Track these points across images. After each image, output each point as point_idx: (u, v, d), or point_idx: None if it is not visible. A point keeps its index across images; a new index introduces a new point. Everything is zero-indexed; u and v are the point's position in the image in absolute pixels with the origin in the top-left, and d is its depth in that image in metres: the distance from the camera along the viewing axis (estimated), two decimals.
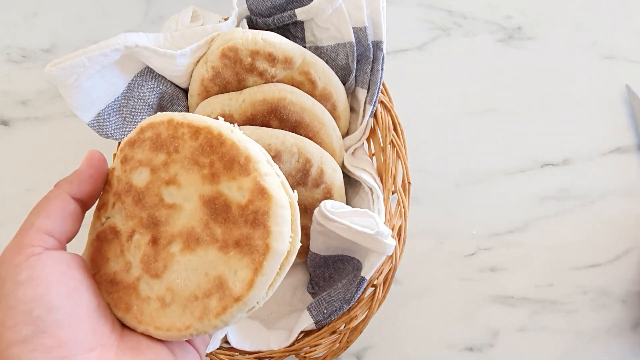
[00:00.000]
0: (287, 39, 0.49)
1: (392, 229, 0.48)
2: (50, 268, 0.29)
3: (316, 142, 0.48)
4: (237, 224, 0.30)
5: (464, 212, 0.61)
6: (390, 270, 0.48)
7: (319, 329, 0.48)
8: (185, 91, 0.52)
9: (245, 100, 0.47)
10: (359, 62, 0.52)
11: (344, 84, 0.52)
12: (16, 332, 0.26)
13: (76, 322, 0.28)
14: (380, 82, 0.51)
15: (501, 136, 0.64)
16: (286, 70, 0.48)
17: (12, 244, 0.30)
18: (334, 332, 0.48)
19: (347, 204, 0.52)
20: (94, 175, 0.33)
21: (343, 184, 0.50)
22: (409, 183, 0.50)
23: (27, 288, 0.27)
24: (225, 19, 0.51)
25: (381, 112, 0.52)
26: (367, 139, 0.54)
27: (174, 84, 0.51)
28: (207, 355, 0.46)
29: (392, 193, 0.50)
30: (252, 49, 0.47)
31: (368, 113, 0.51)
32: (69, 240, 0.32)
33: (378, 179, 0.51)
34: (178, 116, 0.32)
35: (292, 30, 0.52)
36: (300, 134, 0.48)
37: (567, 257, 0.60)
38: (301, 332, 0.48)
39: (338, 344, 0.48)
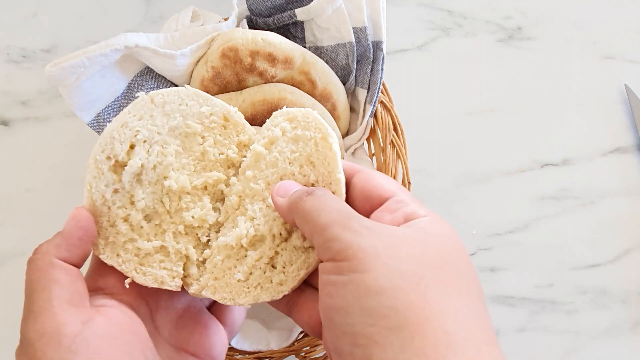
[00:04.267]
0: (287, 39, 0.49)
1: None
2: (100, 343, 0.27)
3: None
4: None
5: (464, 212, 0.61)
6: None
7: None
8: None
9: (246, 100, 0.47)
10: (359, 62, 0.52)
11: (344, 84, 0.52)
12: None
13: None
14: (380, 82, 0.51)
15: (501, 136, 0.64)
16: (286, 70, 0.48)
17: (44, 328, 0.26)
18: None
19: None
20: (82, 237, 0.30)
21: None
22: (409, 183, 0.50)
23: None
24: (225, 19, 0.51)
25: (381, 112, 0.52)
26: (367, 139, 0.54)
27: (174, 84, 0.51)
28: None
29: None
30: (252, 49, 0.47)
31: (368, 113, 0.51)
32: (88, 292, 0.30)
33: None
34: None
35: (292, 31, 0.52)
36: None
37: (567, 257, 0.60)
38: (301, 332, 0.48)
39: None
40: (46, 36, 0.64)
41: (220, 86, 0.49)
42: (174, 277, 0.33)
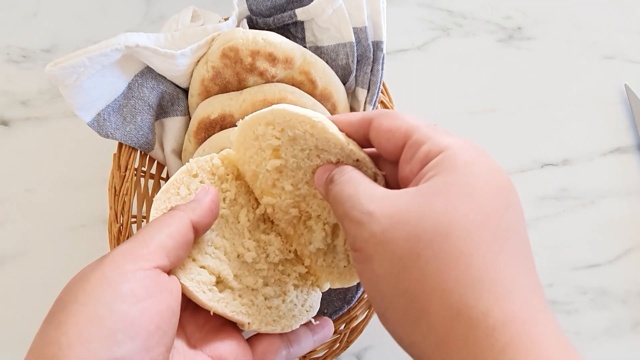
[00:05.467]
0: (287, 39, 0.49)
1: None
2: (152, 291, 0.27)
3: None
4: None
5: None
6: None
7: None
8: (186, 91, 0.52)
9: (246, 100, 0.47)
10: (359, 62, 0.52)
11: (344, 84, 0.52)
12: (90, 351, 0.24)
13: None
14: (380, 82, 0.51)
15: (501, 136, 0.64)
16: (287, 70, 0.48)
17: (127, 248, 0.28)
18: (334, 332, 0.48)
19: None
20: (214, 209, 0.33)
21: None
22: None
23: (123, 303, 0.25)
24: (226, 19, 0.51)
25: None
26: None
27: (175, 84, 0.51)
28: None
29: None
30: (252, 48, 0.47)
31: None
32: (174, 267, 0.30)
33: None
34: None
35: (293, 30, 0.53)
36: None
37: (567, 257, 0.60)
38: None
39: (338, 344, 0.48)
40: (46, 36, 0.64)
41: (221, 86, 0.49)
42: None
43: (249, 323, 0.33)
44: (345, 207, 0.28)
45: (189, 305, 0.33)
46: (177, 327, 0.31)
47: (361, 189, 0.28)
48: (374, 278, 0.26)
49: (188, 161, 0.36)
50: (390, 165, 0.33)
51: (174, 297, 0.28)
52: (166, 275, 0.29)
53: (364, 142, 0.33)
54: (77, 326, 0.24)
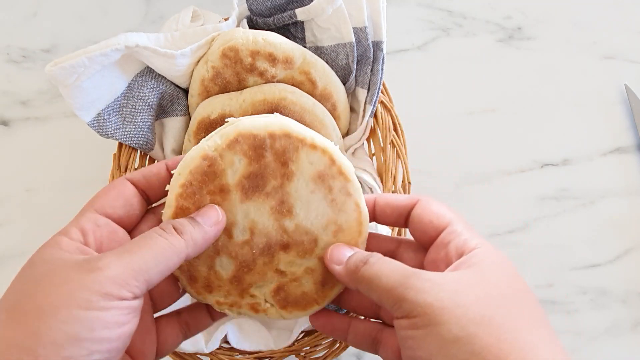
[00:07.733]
0: (287, 39, 0.49)
1: (392, 229, 0.48)
2: (129, 317, 0.28)
3: None
4: None
5: (464, 212, 0.60)
6: None
7: None
8: (186, 91, 0.52)
9: (246, 100, 0.47)
10: (359, 62, 0.52)
11: (344, 84, 0.52)
12: (58, 352, 0.25)
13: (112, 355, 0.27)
14: (380, 82, 0.51)
15: (501, 136, 0.64)
16: (286, 70, 0.48)
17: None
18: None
19: None
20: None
21: None
22: (409, 183, 0.50)
23: (106, 329, 0.26)
24: (226, 19, 0.51)
25: (381, 112, 0.52)
26: (367, 139, 0.54)
27: (175, 84, 0.51)
28: (207, 355, 0.46)
29: (392, 193, 0.51)
30: (252, 48, 0.47)
31: (368, 113, 0.51)
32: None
33: (378, 179, 0.51)
34: None
35: (293, 31, 0.53)
36: None
37: (567, 257, 0.60)
38: (301, 332, 0.48)
39: (338, 344, 0.48)
40: (46, 36, 0.64)
41: (221, 86, 0.49)
42: None
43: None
44: (392, 279, 0.30)
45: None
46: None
47: (404, 266, 0.31)
48: (440, 342, 0.27)
49: None
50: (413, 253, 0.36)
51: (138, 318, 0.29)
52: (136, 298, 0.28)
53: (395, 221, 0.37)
54: (54, 343, 0.25)
